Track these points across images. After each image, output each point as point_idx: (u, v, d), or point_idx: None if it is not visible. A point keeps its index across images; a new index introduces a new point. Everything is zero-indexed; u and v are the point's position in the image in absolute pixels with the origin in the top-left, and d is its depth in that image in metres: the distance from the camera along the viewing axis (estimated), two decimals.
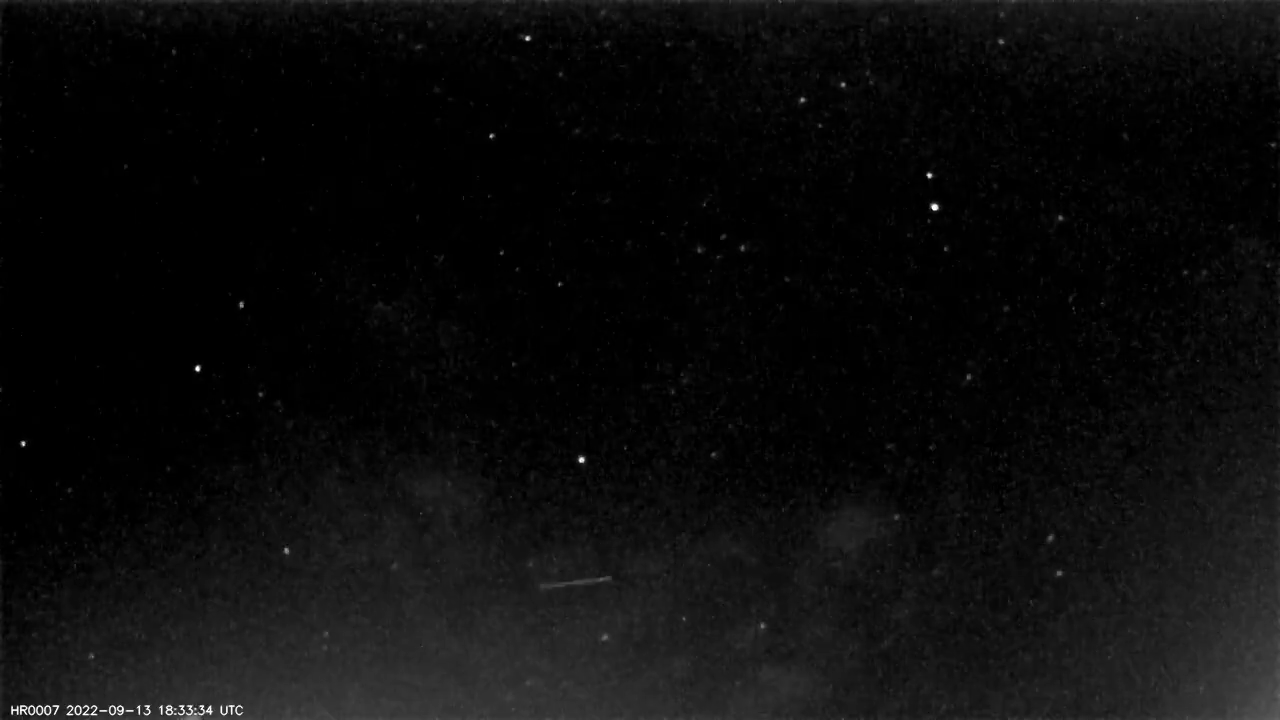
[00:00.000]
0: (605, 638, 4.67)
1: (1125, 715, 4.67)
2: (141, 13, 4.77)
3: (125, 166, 4.75)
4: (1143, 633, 4.67)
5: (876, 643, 4.68)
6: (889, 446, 4.66)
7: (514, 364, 4.69)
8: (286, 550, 4.66)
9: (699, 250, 4.64)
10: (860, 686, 4.71)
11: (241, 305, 4.66)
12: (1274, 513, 4.66)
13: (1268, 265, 4.72)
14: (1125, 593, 4.68)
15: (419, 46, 4.65)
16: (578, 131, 4.63)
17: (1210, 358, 4.71)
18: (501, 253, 4.65)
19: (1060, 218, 4.65)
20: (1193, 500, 4.69)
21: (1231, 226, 4.74)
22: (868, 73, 4.59)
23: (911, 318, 4.70)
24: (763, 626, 4.70)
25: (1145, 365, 4.72)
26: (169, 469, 4.70)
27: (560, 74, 4.64)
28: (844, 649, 4.71)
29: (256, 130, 4.74)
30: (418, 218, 4.69)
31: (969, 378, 4.66)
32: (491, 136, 4.67)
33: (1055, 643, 4.68)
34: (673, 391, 4.66)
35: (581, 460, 4.68)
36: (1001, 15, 4.67)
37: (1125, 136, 4.77)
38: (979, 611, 4.70)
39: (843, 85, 4.63)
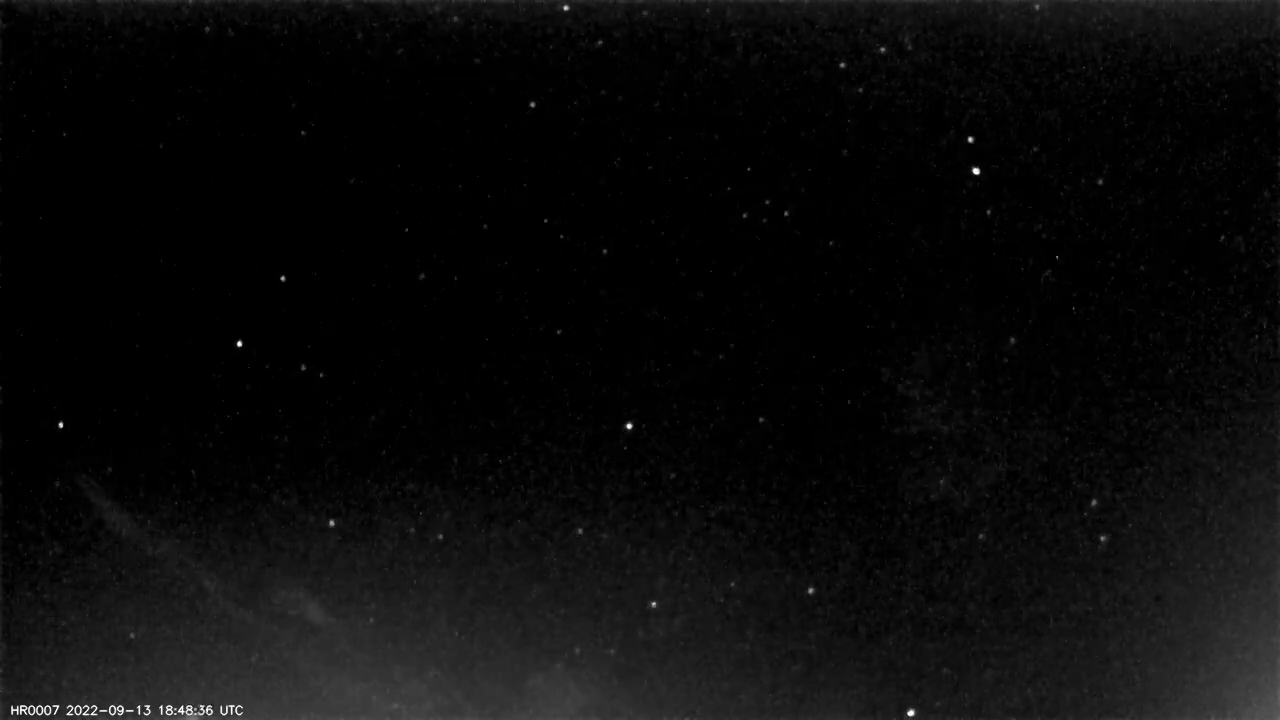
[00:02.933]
0: (653, 605, 4.68)
1: (1125, 715, 4.67)
2: (141, 13, 4.77)
3: (127, 165, 4.76)
4: (1143, 633, 4.67)
5: (913, 613, 4.69)
6: (933, 410, 4.66)
7: (559, 331, 4.70)
8: (332, 522, 4.67)
9: (743, 216, 4.65)
10: (868, 671, 4.72)
11: (283, 279, 4.68)
12: (1274, 513, 4.66)
13: (1267, 265, 4.72)
14: (1125, 592, 4.68)
15: (455, 19, 4.66)
16: (619, 99, 4.65)
17: (1210, 358, 4.71)
18: (545, 220, 4.66)
19: (1099, 181, 4.65)
20: (1193, 500, 4.68)
21: (1231, 226, 4.74)
22: (905, 38, 4.61)
23: (954, 281, 4.71)
24: (810, 591, 4.70)
25: (1145, 365, 4.72)
26: (171, 469, 4.70)
27: (599, 43, 4.65)
28: (880, 613, 4.71)
29: (289, 110, 4.74)
30: (459, 187, 4.70)
31: (1012, 341, 4.66)
32: (532, 105, 4.68)
33: (1055, 643, 4.68)
34: (720, 356, 4.67)
35: (629, 427, 4.69)
36: None
37: (1125, 137, 4.77)
38: (987, 606, 4.70)
39: (881, 50, 4.64)
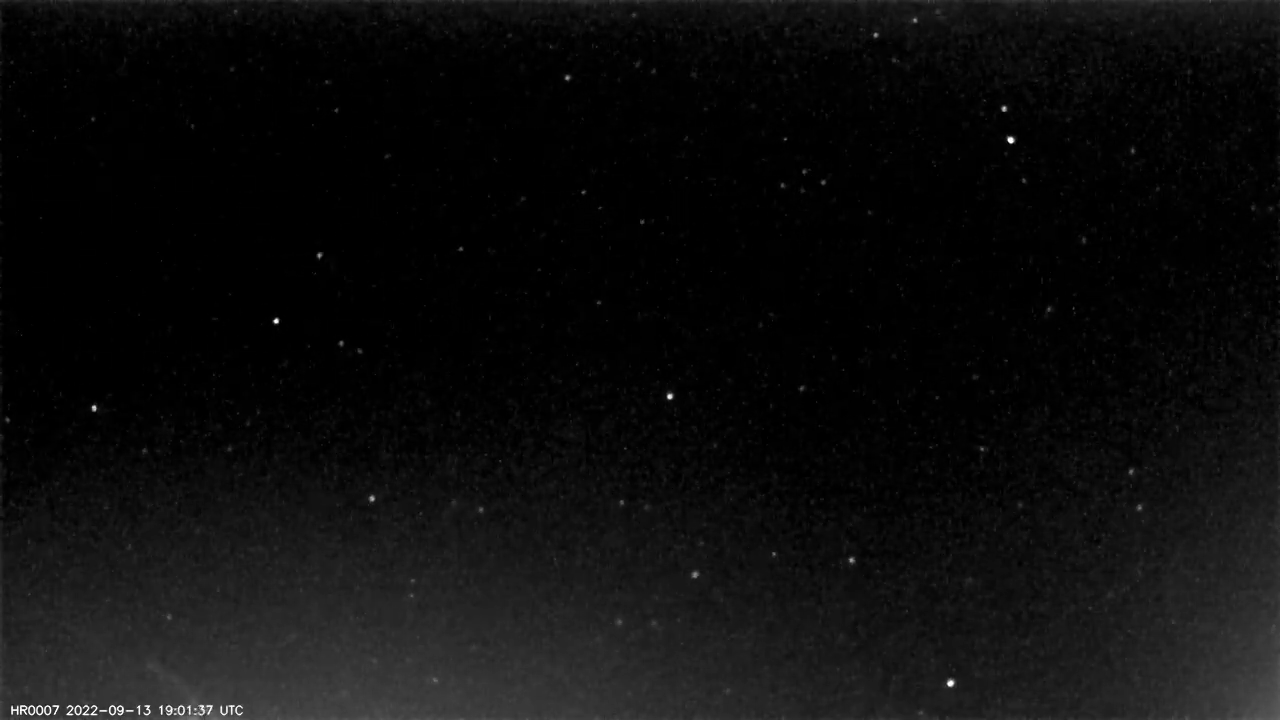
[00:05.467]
0: (695, 575, 4.65)
1: (1125, 715, 4.66)
2: (141, 12, 4.77)
3: (132, 162, 4.76)
4: (1143, 633, 4.67)
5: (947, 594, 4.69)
6: (974, 378, 4.66)
7: (599, 302, 4.71)
8: (373, 497, 4.67)
9: (780, 185, 4.65)
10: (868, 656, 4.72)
11: (321, 255, 4.69)
12: (1274, 513, 4.66)
13: (1267, 265, 4.72)
14: (1125, 592, 4.67)
15: None
16: (653, 72, 4.66)
17: (1210, 358, 4.71)
18: (583, 192, 4.67)
19: (1132, 150, 4.66)
20: (1193, 500, 4.68)
21: (1231, 225, 4.74)
22: (938, 10, 4.62)
23: (990, 249, 4.71)
24: (851, 561, 4.69)
25: (1145, 365, 4.72)
26: (208, 449, 4.70)
27: (633, 15, 4.67)
28: (916, 581, 4.71)
29: (315, 90, 4.74)
30: (495, 160, 4.71)
31: (1050, 309, 4.67)
32: (567, 79, 4.69)
33: (1055, 642, 4.68)
34: (760, 325, 4.68)
35: (670, 396, 4.70)
36: None
37: (1124, 137, 4.77)
38: (996, 596, 4.70)
39: (914, 21, 4.65)
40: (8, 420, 4.68)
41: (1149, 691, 4.66)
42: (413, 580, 4.67)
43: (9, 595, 4.66)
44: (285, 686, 4.67)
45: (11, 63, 4.75)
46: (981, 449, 4.70)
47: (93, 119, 4.76)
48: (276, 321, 4.71)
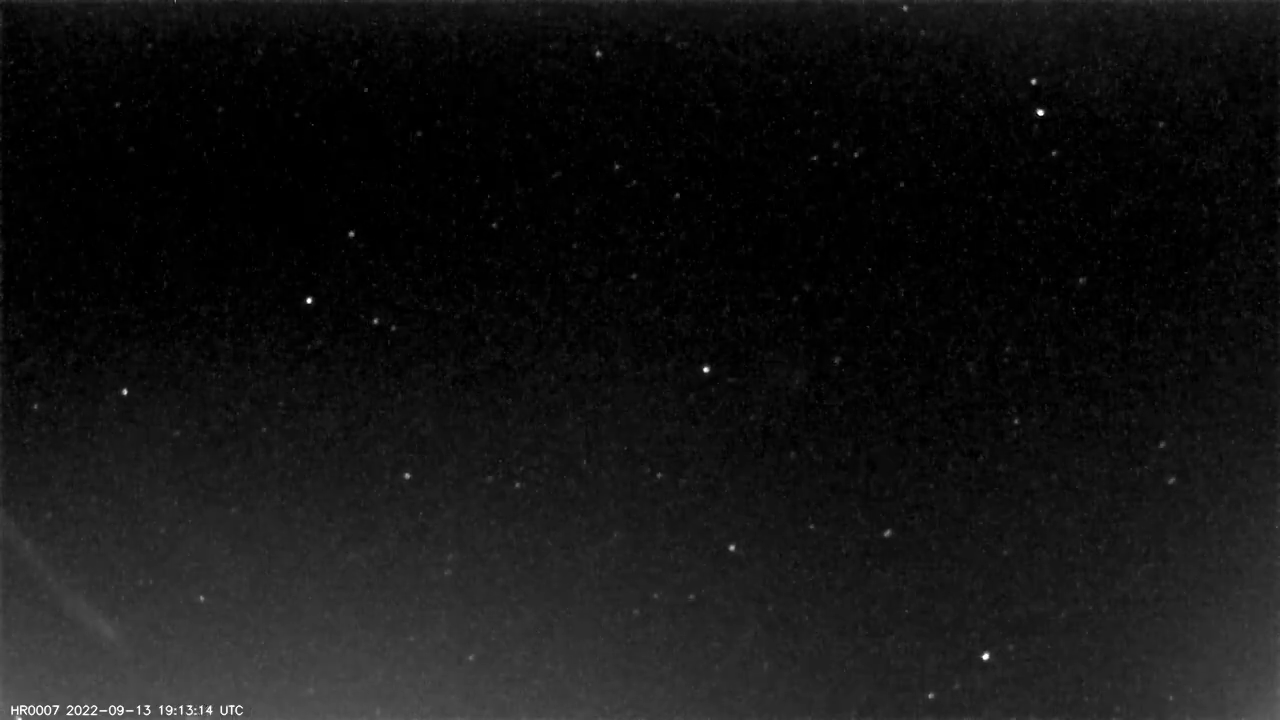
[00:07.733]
0: (732, 549, 4.65)
1: (1125, 715, 4.67)
2: (141, 12, 4.78)
3: (136, 161, 4.76)
4: (1143, 633, 4.67)
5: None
6: (1006, 350, 4.66)
7: (633, 275, 4.71)
8: (407, 475, 4.68)
9: (813, 159, 4.66)
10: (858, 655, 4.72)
11: (352, 234, 4.70)
12: (1274, 513, 4.66)
13: (1267, 265, 4.72)
14: (1125, 592, 4.68)
15: None
16: (680, 48, 4.66)
17: (1210, 358, 4.71)
18: (617, 167, 4.68)
19: (1160, 124, 4.67)
20: (1193, 500, 4.68)
21: (1231, 226, 4.74)
22: None
23: (1018, 227, 4.71)
24: (888, 534, 4.68)
25: (1145, 365, 4.72)
26: (243, 426, 4.71)
27: None
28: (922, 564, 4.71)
29: (344, 74, 4.75)
30: (528, 136, 4.72)
31: (1082, 281, 4.67)
32: (598, 55, 4.69)
33: (1055, 643, 4.68)
34: (794, 299, 4.68)
35: (705, 370, 4.70)
36: None
37: (1124, 137, 4.77)
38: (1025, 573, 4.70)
39: None
40: (34, 408, 4.69)
41: (1149, 691, 4.66)
42: (449, 557, 4.68)
43: (9, 595, 4.66)
44: (304, 681, 4.68)
45: (11, 63, 4.76)
46: (1017, 420, 4.70)
47: (97, 116, 4.76)
48: (309, 301, 4.72)
